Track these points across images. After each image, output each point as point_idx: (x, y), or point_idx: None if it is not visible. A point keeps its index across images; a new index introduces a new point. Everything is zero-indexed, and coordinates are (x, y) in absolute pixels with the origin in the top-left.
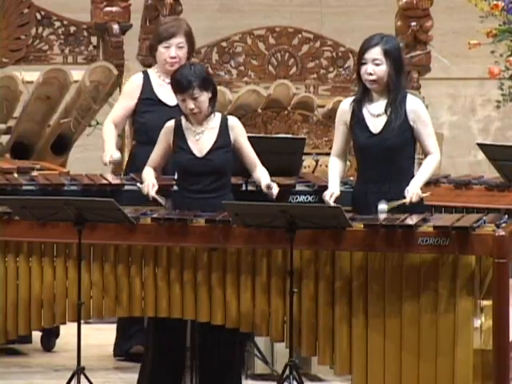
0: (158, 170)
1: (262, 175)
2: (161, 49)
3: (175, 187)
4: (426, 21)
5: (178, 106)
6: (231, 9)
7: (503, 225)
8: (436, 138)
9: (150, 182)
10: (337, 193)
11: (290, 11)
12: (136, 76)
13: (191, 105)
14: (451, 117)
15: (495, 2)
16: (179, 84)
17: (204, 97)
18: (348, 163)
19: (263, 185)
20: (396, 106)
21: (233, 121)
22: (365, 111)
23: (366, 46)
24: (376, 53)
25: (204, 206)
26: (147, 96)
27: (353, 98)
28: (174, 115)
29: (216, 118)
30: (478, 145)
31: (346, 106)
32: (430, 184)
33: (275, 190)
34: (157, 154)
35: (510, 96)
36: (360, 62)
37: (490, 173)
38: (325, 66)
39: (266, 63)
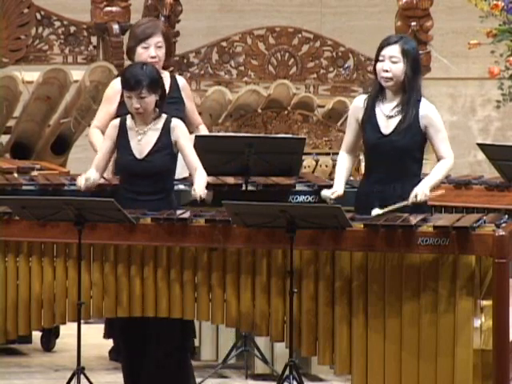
0: (101, 169)
1: (196, 179)
2: (139, 50)
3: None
4: (426, 21)
5: None
6: (231, 9)
7: (503, 225)
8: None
9: (83, 176)
10: (339, 192)
11: (289, 11)
12: (115, 81)
13: (137, 104)
14: (451, 117)
15: (495, 2)
16: (128, 82)
17: (151, 98)
18: None
19: (192, 191)
20: (408, 108)
21: (175, 122)
22: (377, 110)
23: (385, 43)
24: (394, 50)
25: (143, 208)
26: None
27: (367, 95)
28: None
29: (161, 120)
30: (478, 145)
31: (359, 102)
32: None
33: (201, 196)
34: (102, 152)
35: (510, 96)
36: (377, 58)
37: (490, 173)
38: (325, 66)
39: (266, 63)
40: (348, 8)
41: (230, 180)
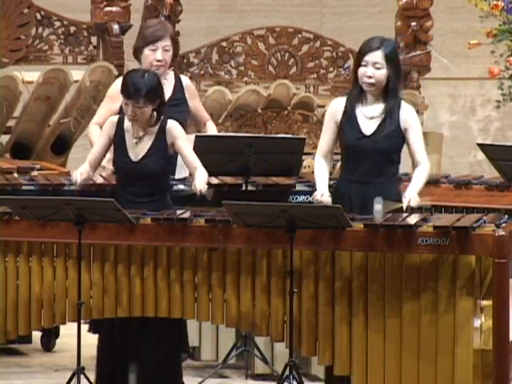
0: (95, 165)
1: (197, 176)
2: (147, 51)
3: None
4: (426, 21)
5: None
6: (231, 9)
7: (503, 225)
8: (439, 139)
9: (78, 171)
10: (327, 195)
11: (289, 11)
12: (120, 79)
13: (132, 112)
14: (451, 117)
15: (495, 2)
16: (127, 89)
17: (147, 109)
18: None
19: (193, 186)
20: (392, 111)
21: (170, 124)
22: (358, 112)
23: (368, 48)
24: (377, 56)
25: (140, 209)
26: None
27: (345, 97)
28: None
29: (157, 123)
30: (478, 145)
31: (338, 104)
32: (429, 184)
33: (202, 190)
34: (97, 147)
35: (510, 96)
36: (359, 63)
37: (490, 173)
38: (325, 66)
39: (266, 63)
40: (348, 8)
41: (230, 180)
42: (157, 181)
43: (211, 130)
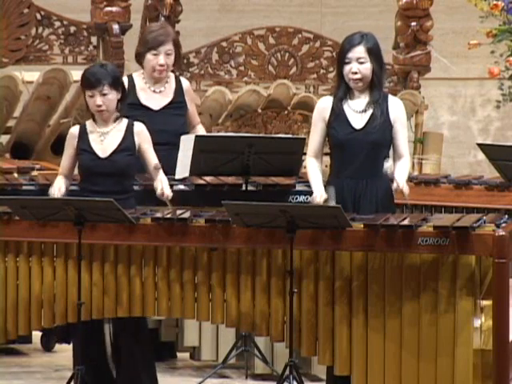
0: (69, 176)
1: (163, 181)
2: (149, 56)
3: (77, 187)
4: (426, 21)
5: (162, 110)
6: (231, 9)
7: (503, 225)
8: (439, 139)
9: (56, 186)
10: (325, 196)
11: (289, 11)
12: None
13: (99, 101)
14: (451, 117)
15: (495, 2)
16: (89, 80)
17: (113, 95)
18: None
19: (159, 191)
20: (381, 103)
21: (139, 126)
22: (346, 108)
23: (349, 45)
24: (360, 51)
25: None
26: (131, 101)
27: (331, 96)
28: (158, 119)
29: (123, 122)
30: (478, 145)
31: (325, 103)
32: (430, 184)
33: (169, 196)
34: (66, 160)
35: (510, 96)
36: (343, 61)
37: (490, 173)
38: (325, 66)
39: (266, 63)
40: (348, 8)
41: (230, 180)
42: (123, 179)
43: (200, 132)
